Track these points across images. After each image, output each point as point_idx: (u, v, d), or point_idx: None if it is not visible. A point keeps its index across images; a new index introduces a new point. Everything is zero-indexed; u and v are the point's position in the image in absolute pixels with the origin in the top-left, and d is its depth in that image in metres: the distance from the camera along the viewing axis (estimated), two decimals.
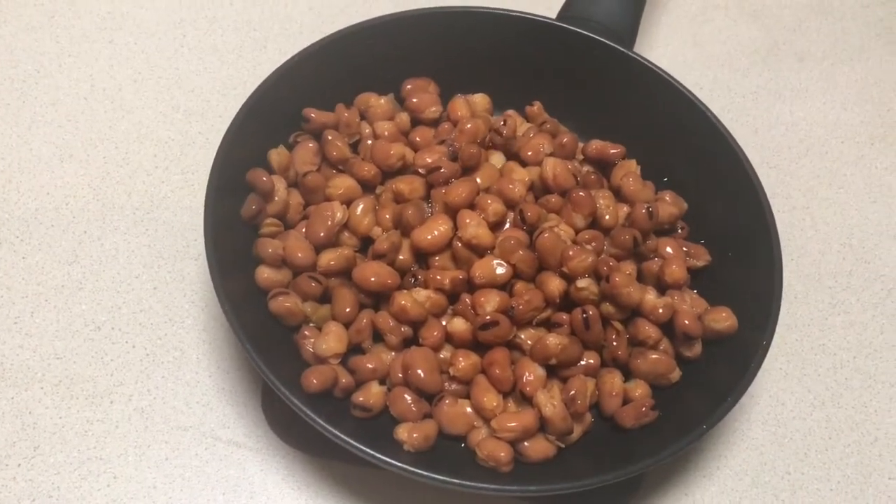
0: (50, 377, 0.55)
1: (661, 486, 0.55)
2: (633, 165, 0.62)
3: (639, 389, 0.54)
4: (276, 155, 0.58)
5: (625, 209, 0.59)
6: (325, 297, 0.55)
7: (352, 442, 0.46)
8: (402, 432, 0.50)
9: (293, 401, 0.47)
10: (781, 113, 0.74)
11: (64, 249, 0.60)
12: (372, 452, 0.46)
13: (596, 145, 0.62)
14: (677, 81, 0.62)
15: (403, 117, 0.62)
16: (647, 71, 0.63)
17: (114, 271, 0.59)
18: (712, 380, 0.53)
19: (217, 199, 0.53)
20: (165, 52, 0.70)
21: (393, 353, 0.53)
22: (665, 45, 0.77)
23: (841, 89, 0.76)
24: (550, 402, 0.50)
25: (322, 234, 0.55)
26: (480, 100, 0.65)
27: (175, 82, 0.69)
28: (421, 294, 0.53)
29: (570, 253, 0.53)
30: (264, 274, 0.54)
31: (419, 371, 0.51)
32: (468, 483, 0.47)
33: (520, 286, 0.54)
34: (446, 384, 0.53)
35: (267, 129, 0.58)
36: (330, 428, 0.46)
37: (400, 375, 0.52)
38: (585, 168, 0.62)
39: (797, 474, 0.56)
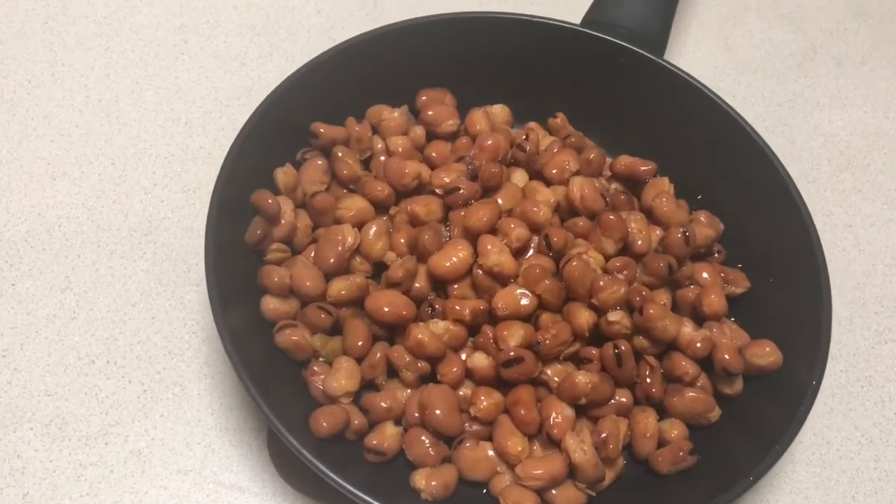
0: (40, 416, 0.51)
1: None
2: (665, 184, 0.58)
3: (675, 430, 0.50)
4: (283, 174, 0.54)
5: (658, 233, 0.55)
6: (335, 329, 0.51)
7: (363, 496, 0.42)
8: (420, 479, 0.47)
9: (299, 449, 0.43)
10: (820, 122, 0.70)
11: (56, 275, 0.56)
12: None
13: (625, 161, 0.58)
14: (710, 90, 0.58)
15: (418, 131, 0.59)
16: (678, 79, 0.59)
17: (109, 299, 0.56)
18: (756, 420, 0.50)
19: (219, 223, 0.49)
20: (165, 59, 0.67)
21: (409, 391, 0.50)
22: (694, 51, 0.73)
23: (882, 96, 0.72)
24: (581, 446, 0.47)
25: (332, 261, 0.52)
26: (500, 111, 0.62)
27: (175, 92, 0.65)
28: (439, 326, 0.50)
29: (601, 283, 0.49)
30: (270, 304, 0.51)
31: (437, 411, 0.48)
32: None
33: (546, 318, 0.50)
34: (467, 425, 0.49)
35: (273, 145, 0.55)
36: (339, 480, 0.43)
37: (416, 415, 0.49)
38: (614, 186, 0.58)
39: None
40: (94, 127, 0.63)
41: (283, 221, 0.53)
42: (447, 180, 0.54)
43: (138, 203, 0.60)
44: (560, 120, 0.61)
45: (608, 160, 0.59)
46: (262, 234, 0.51)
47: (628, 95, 0.61)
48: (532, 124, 0.62)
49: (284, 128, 0.55)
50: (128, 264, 0.57)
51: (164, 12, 0.69)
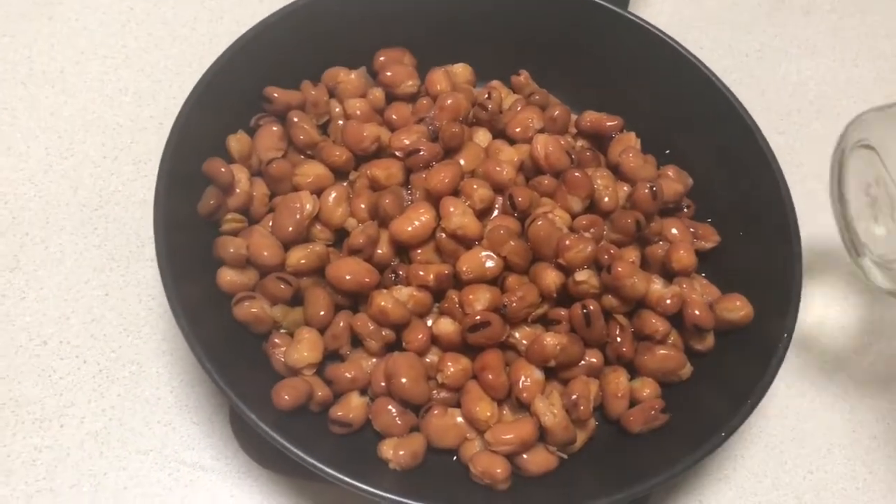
0: None
1: (673, 491, 0.51)
2: (632, 139, 0.56)
3: (646, 388, 0.49)
4: (236, 141, 0.52)
5: (625, 189, 0.53)
6: (296, 300, 0.50)
7: (328, 470, 0.41)
8: (387, 449, 0.46)
9: (261, 425, 0.42)
10: (788, 72, 0.69)
11: (3, 255, 0.54)
12: (351, 481, 0.41)
13: (591, 117, 0.57)
14: (676, 42, 0.57)
15: (377, 93, 0.57)
16: (643, 32, 0.58)
17: (60, 277, 0.54)
18: (727, 375, 0.49)
19: (169, 195, 0.48)
20: (111, 27, 0.64)
21: (374, 360, 0.49)
22: (661, 2, 0.72)
23: (851, 43, 0.71)
24: (550, 409, 0.46)
25: (290, 229, 0.50)
26: (462, 70, 0.60)
27: (123, 61, 0.63)
28: (403, 292, 0.48)
29: (567, 242, 0.48)
30: (227, 276, 0.49)
31: (403, 379, 0.47)
32: None
33: (512, 280, 0.49)
34: (434, 392, 0.48)
35: (225, 112, 0.53)
36: (303, 455, 0.42)
37: (382, 385, 0.48)
38: (580, 143, 0.57)
39: (820, 473, 0.52)
40: (39, 100, 0.61)
41: (237, 190, 0.51)
42: (407, 142, 0.53)
43: (88, 177, 0.57)
44: (523, 78, 0.60)
45: (573, 117, 0.58)
46: (215, 205, 0.49)
47: (593, 50, 0.60)
48: (495, 83, 0.60)
49: (236, 93, 0.53)
50: (79, 240, 0.55)
51: None
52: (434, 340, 0.49)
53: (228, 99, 0.52)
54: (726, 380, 0.48)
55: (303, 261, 0.49)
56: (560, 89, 0.60)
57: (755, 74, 0.68)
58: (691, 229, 0.54)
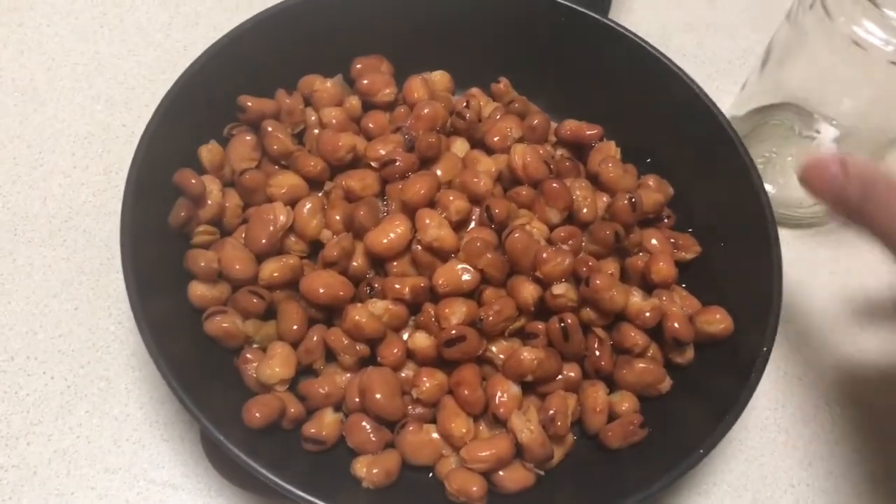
0: None
1: None
2: (612, 148, 0.56)
3: (625, 403, 0.49)
4: (207, 152, 0.52)
5: (604, 199, 0.53)
6: (269, 314, 0.49)
7: (297, 492, 0.40)
8: (361, 467, 0.45)
9: (228, 446, 0.41)
10: None
11: None
12: (320, 503, 0.40)
13: (570, 126, 0.56)
14: (657, 50, 0.56)
15: (354, 102, 0.56)
16: (624, 39, 0.57)
17: (28, 291, 0.53)
18: (707, 389, 0.48)
19: (136, 207, 0.47)
20: (83, 33, 0.64)
21: (348, 375, 0.48)
22: (644, 8, 0.71)
23: None
24: (527, 426, 0.45)
25: (263, 241, 0.49)
26: (440, 78, 0.59)
27: (95, 68, 0.62)
28: (378, 306, 0.48)
29: (545, 255, 0.47)
30: (198, 290, 0.48)
31: (378, 395, 0.46)
32: None
33: (489, 293, 0.49)
34: (409, 408, 0.48)
35: (197, 121, 0.52)
36: (271, 476, 0.41)
37: (356, 400, 0.47)
38: (559, 153, 0.57)
39: (801, 486, 0.51)
40: (8, 108, 0.60)
41: (209, 202, 0.50)
42: (383, 152, 0.52)
43: (57, 187, 0.57)
44: (503, 85, 0.59)
45: (553, 125, 0.57)
46: (186, 216, 0.49)
47: (574, 58, 0.59)
48: (474, 90, 0.60)
49: (209, 102, 0.52)
50: (47, 253, 0.54)
51: None
52: (409, 355, 0.48)
53: (200, 108, 0.51)
54: (706, 394, 0.48)
55: (276, 274, 0.48)
56: (541, 97, 0.60)
57: (739, 81, 0.67)
58: (672, 240, 0.53)
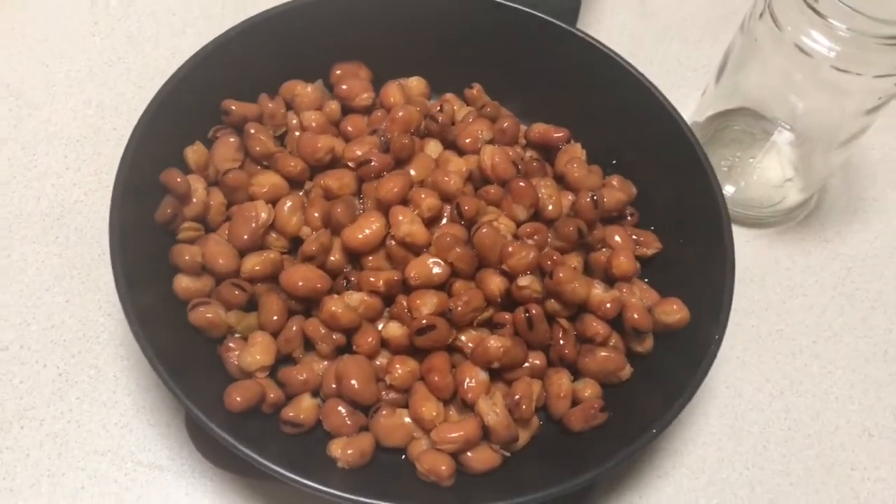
0: None
1: (615, 488, 0.53)
2: (577, 150, 0.58)
3: (588, 389, 0.51)
4: (193, 153, 0.54)
5: (569, 198, 0.55)
6: (250, 305, 0.51)
7: (277, 469, 0.43)
8: (336, 448, 0.48)
9: (211, 427, 0.43)
10: None
11: None
12: (299, 479, 0.43)
13: (539, 129, 0.59)
14: (622, 58, 0.59)
15: (333, 106, 0.59)
16: (590, 48, 0.59)
17: (22, 284, 0.55)
18: (665, 376, 0.51)
19: (125, 202, 0.49)
20: (75, 41, 0.66)
21: (325, 363, 0.50)
22: (612, 18, 0.74)
23: None
24: (493, 409, 0.47)
25: (246, 237, 0.52)
26: (416, 84, 0.62)
27: (86, 75, 0.64)
28: (354, 298, 0.50)
29: (510, 249, 0.50)
30: (183, 283, 0.51)
31: (353, 381, 0.48)
32: None
33: (458, 286, 0.51)
34: (383, 394, 0.50)
35: (183, 123, 0.54)
36: (252, 454, 0.43)
37: (333, 386, 0.49)
38: (528, 154, 0.59)
39: (756, 469, 0.54)
40: (3, 112, 0.62)
41: (194, 200, 0.52)
42: (359, 153, 0.54)
43: (50, 187, 0.59)
44: (476, 91, 0.62)
45: (523, 128, 0.60)
46: (172, 213, 0.51)
47: (543, 65, 0.61)
48: (449, 95, 0.62)
49: (194, 106, 0.54)
50: (40, 249, 0.56)
51: None
52: (383, 344, 0.50)
53: (186, 111, 0.53)
54: (663, 380, 0.50)
55: (257, 268, 0.51)
56: (512, 102, 0.62)
57: (702, 88, 0.70)
58: (634, 237, 0.56)
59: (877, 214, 0.65)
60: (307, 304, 0.51)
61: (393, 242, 0.51)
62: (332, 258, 0.52)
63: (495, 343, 0.49)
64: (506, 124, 0.58)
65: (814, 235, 0.64)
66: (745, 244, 0.63)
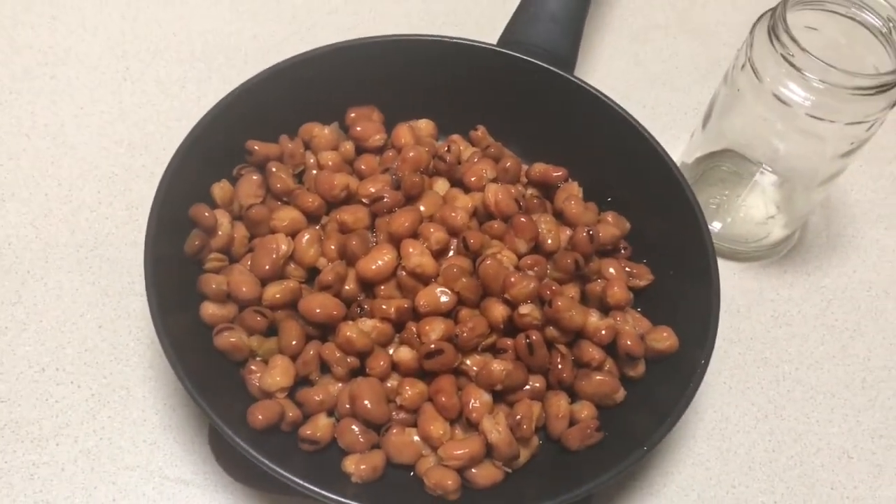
0: None
1: None
2: (575, 188, 0.63)
3: (585, 411, 0.55)
4: (219, 189, 0.58)
5: (567, 232, 0.59)
6: (271, 331, 0.55)
7: (296, 480, 0.46)
8: (350, 464, 0.51)
9: (236, 441, 0.47)
10: None
11: (7, 290, 0.59)
12: (316, 489, 0.46)
13: (539, 168, 0.63)
14: (616, 103, 0.62)
15: (348, 146, 0.62)
16: (587, 94, 0.63)
17: (58, 311, 0.59)
18: (656, 399, 0.54)
19: (158, 235, 0.53)
20: (108, 85, 0.70)
21: (340, 385, 0.54)
22: (608, 65, 0.79)
23: None
24: (496, 427, 0.51)
25: (267, 267, 0.55)
26: (425, 125, 0.65)
27: (118, 116, 0.68)
28: (367, 324, 0.54)
29: (512, 279, 0.53)
30: (209, 310, 0.54)
31: (366, 402, 0.52)
32: None
33: (464, 313, 0.54)
34: (394, 413, 0.53)
35: (210, 162, 0.58)
36: (274, 466, 0.47)
37: (347, 406, 0.52)
38: (529, 191, 0.63)
39: (742, 488, 0.57)
40: (41, 150, 0.66)
41: (220, 233, 0.56)
42: (373, 190, 0.58)
43: (84, 221, 0.63)
44: (480, 132, 0.65)
45: (524, 168, 0.64)
46: (200, 245, 0.55)
47: (543, 108, 0.65)
48: (455, 137, 0.66)
49: (220, 146, 0.58)
50: (75, 278, 0.60)
51: (108, 41, 0.73)
52: (394, 367, 0.54)
53: (213, 151, 0.57)
54: (654, 402, 0.53)
55: (278, 296, 0.54)
56: (514, 143, 0.66)
57: (691, 131, 0.75)
58: (627, 269, 0.60)
59: (855, 251, 0.69)
60: (323, 330, 0.55)
61: (404, 273, 0.54)
62: (346, 287, 0.55)
63: (498, 367, 0.52)
64: (508, 164, 0.62)
65: (796, 269, 0.68)
66: (732, 277, 0.67)
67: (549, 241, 0.57)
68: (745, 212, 0.68)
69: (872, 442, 0.60)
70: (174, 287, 0.53)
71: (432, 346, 0.52)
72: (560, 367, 0.55)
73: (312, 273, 0.57)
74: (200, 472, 0.54)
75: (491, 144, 0.64)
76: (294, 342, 0.54)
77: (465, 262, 0.55)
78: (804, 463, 0.59)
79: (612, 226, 0.61)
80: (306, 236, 0.57)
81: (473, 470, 0.51)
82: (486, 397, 0.53)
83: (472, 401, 0.52)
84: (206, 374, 0.50)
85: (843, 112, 0.55)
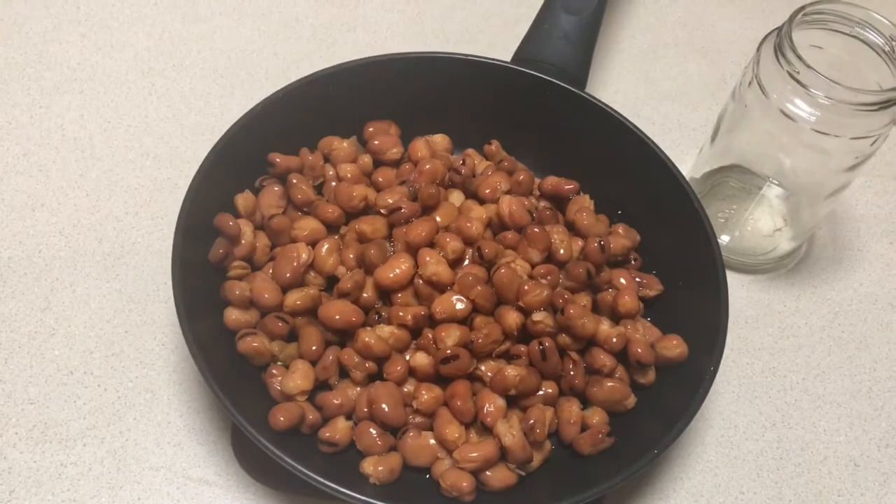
0: (24, 422, 0.56)
1: None
2: (586, 200, 0.64)
3: (596, 416, 0.56)
4: (242, 200, 0.60)
5: (579, 243, 0.61)
6: (292, 336, 0.56)
7: (317, 478, 0.48)
8: (368, 466, 0.52)
9: (260, 440, 0.48)
10: None
11: (36, 296, 0.61)
12: (337, 487, 0.48)
13: (551, 181, 0.65)
14: (626, 119, 0.64)
15: (366, 159, 0.64)
16: (598, 110, 0.65)
17: (86, 316, 0.60)
18: (665, 405, 0.55)
19: (185, 244, 0.54)
20: (135, 100, 0.72)
21: (358, 389, 0.55)
22: (618, 83, 0.80)
23: None
24: (510, 431, 0.52)
25: (288, 275, 0.57)
26: (441, 140, 0.67)
27: (144, 130, 0.70)
28: (385, 330, 0.55)
29: (526, 287, 0.55)
30: (232, 315, 0.56)
31: (384, 405, 0.53)
32: None
33: (479, 320, 0.56)
34: (410, 417, 0.54)
35: (233, 174, 0.60)
36: (296, 465, 0.48)
37: (365, 410, 0.54)
38: (542, 204, 0.65)
39: (750, 494, 0.58)
40: (70, 163, 0.68)
41: (243, 241, 0.58)
42: (390, 201, 0.60)
43: (111, 230, 0.64)
44: (494, 146, 0.67)
45: (537, 180, 0.66)
46: (223, 254, 0.57)
47: (555, 124, 0.67)
48: (469, 151, 0.67)
49: (243, 158, 0.60)
50: (102, 285, 0.62)
51: (134, 58, 0.75)
52: (411, 372, 0.55)
53: (237, 163, 0.59)
54: (663, 409, 0.55)
55: (298, 302, 0.56)
56: (527, 156, 0.67)
57: (699, 146, 0.77)
58: (637, 279, 0.61)
59: (860, 264, 0.71)
60: (342, 336, 0.56)
61: (420, 281, 0.56)
62: (365, 294, 0.56)
63: (512, 372, 0.54)
64: (521, 177, 0.63)
65: (803, 282, 0.69)
66: (741, 289, 0.68)
67: (562, 252, 0.59)
68: (752, 225, 0.69)
69: (879, 451, 0.61)
70: (199, 293, 0.54)
71: (448, 351, 0.53)
72: (572, 373, 0.56)
73: (332, 281, 0.58)
74: (223, 472, 0.55)
75: (504, 158, 0.66)
76: (314, 347, 0.55)
77: (480, 271, 0.57)
78: (811, 471, 0.60)
79: (622, 237, 0.63)
80: (326, 245, 0.58)
81: (488, 472, 0.52)
82: (501, 402, 0.54)
83: (487, 405, 0.54)
84: (230, 376, 0.52)
85: (848, 127, 0.56)
